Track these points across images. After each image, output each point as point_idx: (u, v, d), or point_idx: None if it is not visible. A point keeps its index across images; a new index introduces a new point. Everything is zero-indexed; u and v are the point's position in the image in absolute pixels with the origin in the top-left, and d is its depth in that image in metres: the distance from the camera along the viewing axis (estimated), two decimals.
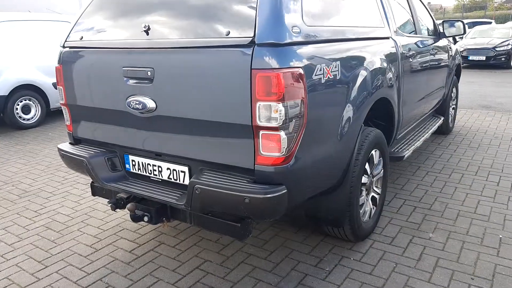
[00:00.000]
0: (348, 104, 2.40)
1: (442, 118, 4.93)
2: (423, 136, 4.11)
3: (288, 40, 2.00)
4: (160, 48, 2.23)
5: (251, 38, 1.94)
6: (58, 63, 2.75)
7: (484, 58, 12.91)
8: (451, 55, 4.96)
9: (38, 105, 6.80)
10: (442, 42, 4.63)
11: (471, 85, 9.87)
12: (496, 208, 3.44)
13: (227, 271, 2.67)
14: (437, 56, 4.32)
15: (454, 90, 5.46)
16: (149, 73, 2.26)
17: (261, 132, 1.98)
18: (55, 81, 6.72)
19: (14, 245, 3.07)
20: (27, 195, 4.01)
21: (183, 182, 2.39)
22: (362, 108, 2.55)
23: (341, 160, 2.47)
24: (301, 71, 2.00)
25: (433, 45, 4.26)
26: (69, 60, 2.68)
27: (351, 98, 2.42)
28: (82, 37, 2.62)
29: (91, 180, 2.86)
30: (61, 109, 7.22)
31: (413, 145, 3.79)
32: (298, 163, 2.07)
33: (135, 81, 2.34)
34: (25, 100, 6.63)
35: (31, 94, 6.66)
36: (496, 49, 12.83)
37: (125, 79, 2.38)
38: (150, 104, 2.29)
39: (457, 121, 6.31)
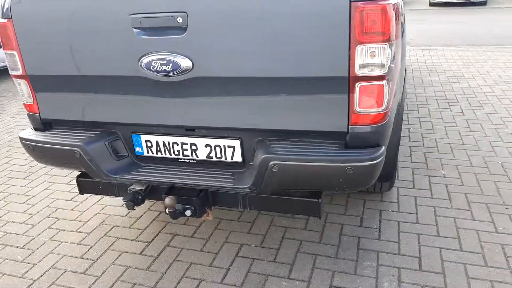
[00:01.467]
0: (404, 42, 2.09)
1: None
2: None
3: None
4: None
5: None
6: (1, 17, 1.87)
7: None
8: None
9: None
10: None
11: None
12: (478, 137, 3.58)
13: (274, 252, 2.30)
14: None
15: None
16: (179, 20, 1.63)
17: (359, 84, 1.57)
18: None
19: None
20: None
21: (232, 159, 1.88)
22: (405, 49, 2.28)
23: (401, 105, 2.20)
24: (400, 2, 1.60)
25: None
26: (25, 10, 1.83)
27: (404, 38, 2.11)
28: None
29: (77, 174, 2.15)
30: None
31: None
32: (390, 118, 1.73)
33: (154, 32, 1.68)
34: None
35: None
36: None
37: (135, 31, 1.69)
38: (184, 63, 1.68)
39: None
